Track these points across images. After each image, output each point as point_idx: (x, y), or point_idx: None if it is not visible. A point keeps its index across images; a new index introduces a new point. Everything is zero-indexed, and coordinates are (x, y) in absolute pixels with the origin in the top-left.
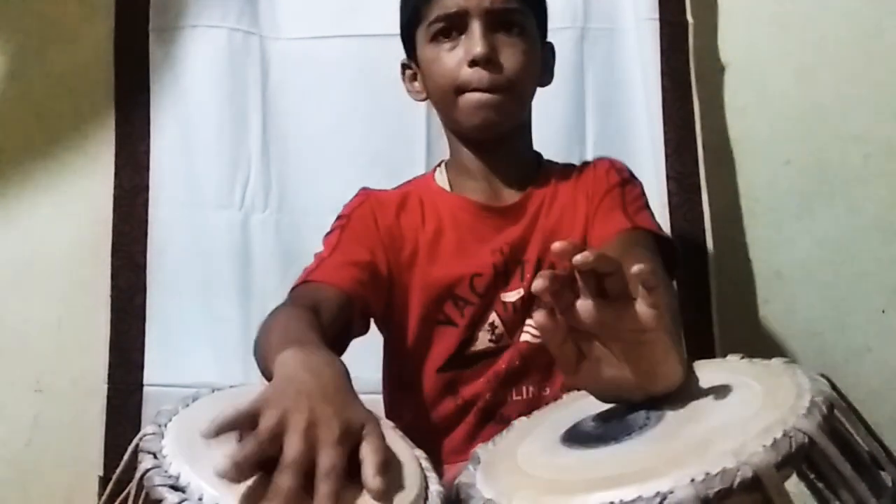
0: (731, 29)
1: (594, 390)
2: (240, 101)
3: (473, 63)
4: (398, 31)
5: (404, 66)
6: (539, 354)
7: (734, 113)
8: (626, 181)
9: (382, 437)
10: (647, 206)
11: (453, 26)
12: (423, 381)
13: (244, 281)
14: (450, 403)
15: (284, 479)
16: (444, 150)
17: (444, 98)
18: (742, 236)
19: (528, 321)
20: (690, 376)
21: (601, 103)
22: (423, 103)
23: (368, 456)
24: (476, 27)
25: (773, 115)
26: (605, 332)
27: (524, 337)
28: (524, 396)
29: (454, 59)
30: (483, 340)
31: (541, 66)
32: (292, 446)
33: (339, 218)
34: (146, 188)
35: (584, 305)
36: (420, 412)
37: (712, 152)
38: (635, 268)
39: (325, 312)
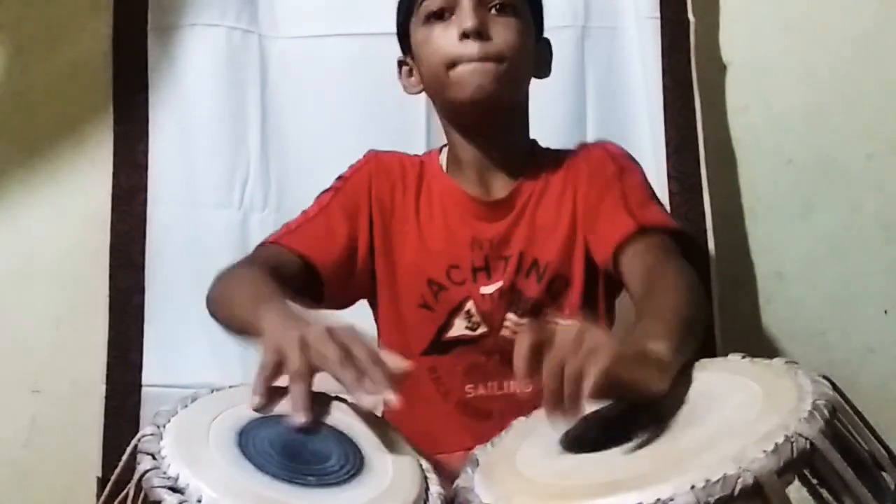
0: (733, 28)
1: None
2: (239, 100)
3: (464, 36)
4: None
5: (401, 63)
6: None
7: (736, 112)
8: (624, 169)
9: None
10: (653, 195)
11: (445, 8)
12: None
13: None
14: (432, 391)
15: (296, 387)
16: None
17: (436, 76)
18: (744, 236)
19: (509, 315)
20: (690, 378)
21: (602, 102)
22: (423, 103)
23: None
24: (466, 2)
25: (774, 114)
26: None
27: (504, 332)
28: (506, 391)
29: (445, 36)
30: (459, 327)
31: (536, 56)
32: (329, 349)
33: (338, 178)
34: (144, 188)
35: None
36: (405, 399)
37: (714, 152)
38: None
39: (285, 278)
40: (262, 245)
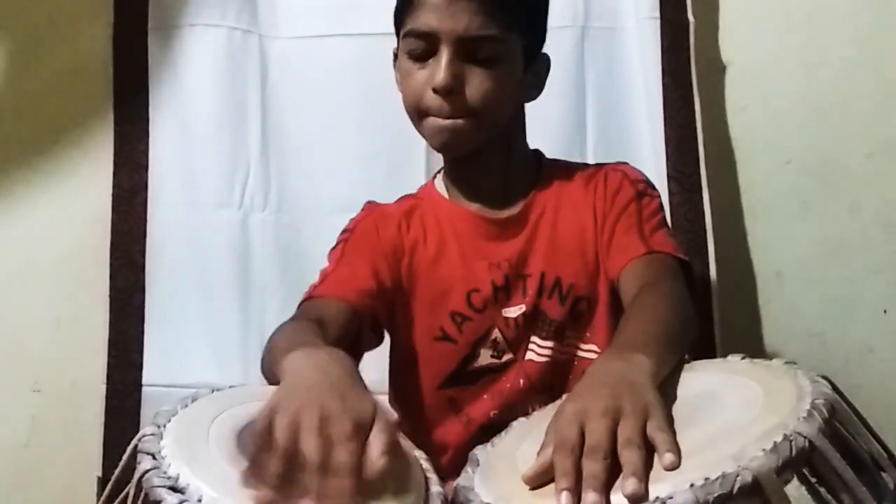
0: (733, 28)
1: None
2: (239, 100)
3: (435, 91)
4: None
5: (396, 54)
6: (545, 374)
7: (735, 112)
8: (642, 193)
9: (392, 425)
10: (665, 223)
11: (427, 51)
12: (425, 399)
13: (243, 281)
14: (454, 422)
15: (312, 481)
16: None
17: (410, 115)
18: (743, 236)
19: (533, 338)
20: (690, 379)
21: (602, 102)
22: None
23: (376, 438)
24: (444, 54)
25: (774, 114)
26: None
27: (529, 356)
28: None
29: (420, 79)
30: (485, 357)
31: (524, 85)
32: (309, 447)
33: (343, 232)
34: (145, 187)
35: None
36: (422, 432)
37: (713, 152)
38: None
39: (331, 326)
40: (299, 305)
